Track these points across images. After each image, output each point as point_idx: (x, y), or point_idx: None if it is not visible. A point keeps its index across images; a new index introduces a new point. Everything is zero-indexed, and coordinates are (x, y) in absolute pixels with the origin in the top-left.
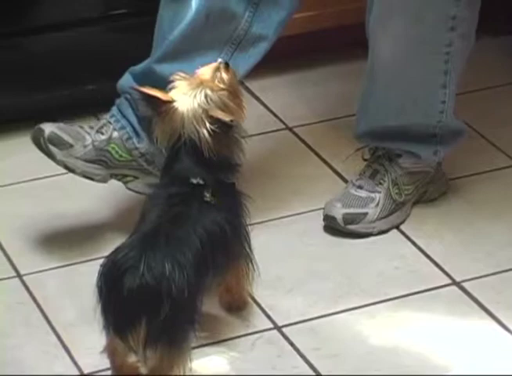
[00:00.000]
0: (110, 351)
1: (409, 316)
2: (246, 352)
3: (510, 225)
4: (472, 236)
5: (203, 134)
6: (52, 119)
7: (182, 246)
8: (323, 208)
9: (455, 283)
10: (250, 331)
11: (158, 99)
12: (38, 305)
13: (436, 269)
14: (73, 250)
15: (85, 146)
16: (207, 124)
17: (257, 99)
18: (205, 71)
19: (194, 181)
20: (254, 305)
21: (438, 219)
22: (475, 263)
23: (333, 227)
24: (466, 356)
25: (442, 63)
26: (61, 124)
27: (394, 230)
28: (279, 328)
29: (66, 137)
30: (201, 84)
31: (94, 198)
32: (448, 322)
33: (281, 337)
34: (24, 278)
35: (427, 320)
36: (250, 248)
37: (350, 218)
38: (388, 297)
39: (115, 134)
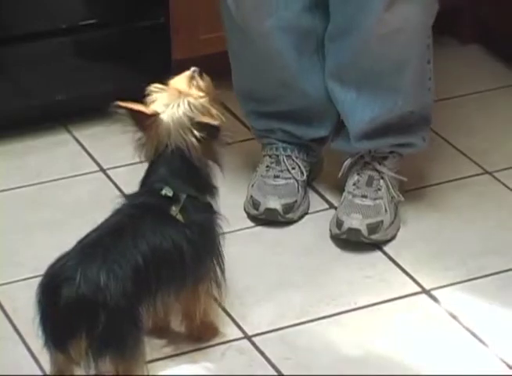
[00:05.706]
0: (53, 365)
1: (379, 324)
2: (216, 361)
3: (479, 234)
4: (441, 245)
5: (192, 141)
6: (22, 130)
7: (119, 258)
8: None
9: (424, 291)
10: (220, 341)
11: (143, 113)
12: (8, 317)
13: (406, 278)
14: (42, 260)
15: (299, 191)
16: (195, 132)
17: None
18: (179, 80)
19: (163, 192)
20: (224, 315)
21: (408, 228)
22: (445, 271)
23: (355, 240)
24: (435, 364)
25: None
26: (278, 191)
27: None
28: (249, 338)
29: (290, 199)
30: (181, 93)
31: (62, 208)
32: (417, 330)
33: (251, 346)
34: None
35: (396, 329)
36: (220, 272)
37: (373, 228)
38: (358, 305)
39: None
